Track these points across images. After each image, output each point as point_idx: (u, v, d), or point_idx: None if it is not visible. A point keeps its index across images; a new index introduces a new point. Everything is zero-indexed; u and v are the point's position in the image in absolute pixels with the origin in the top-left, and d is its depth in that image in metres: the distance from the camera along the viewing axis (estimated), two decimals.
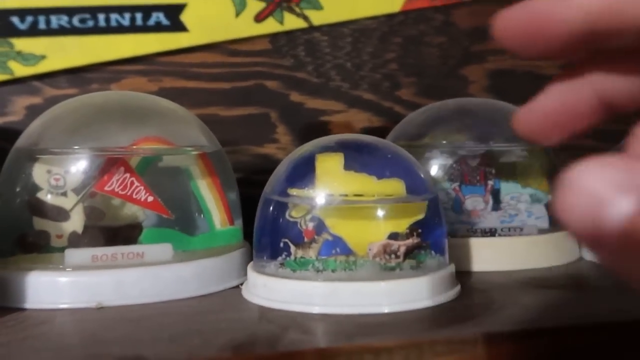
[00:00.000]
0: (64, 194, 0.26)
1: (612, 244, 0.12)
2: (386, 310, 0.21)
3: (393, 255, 0.22)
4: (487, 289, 0.24)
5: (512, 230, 0.30)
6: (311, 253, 0.23)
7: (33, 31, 0.35)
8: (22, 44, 0.35)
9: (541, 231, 0.30)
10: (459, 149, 0.32)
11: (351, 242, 0.23)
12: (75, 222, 0.26)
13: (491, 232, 0.30)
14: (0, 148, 0.33)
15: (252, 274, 0.24)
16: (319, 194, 0.23)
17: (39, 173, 0.26)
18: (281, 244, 0.24)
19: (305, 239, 0.23)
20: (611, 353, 0.19)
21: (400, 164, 0.24)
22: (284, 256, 0.24)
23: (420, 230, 0.22)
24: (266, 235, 0.24)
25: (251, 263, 0.26)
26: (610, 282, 0.24)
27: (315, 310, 0.21)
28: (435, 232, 0.23)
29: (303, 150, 0.25)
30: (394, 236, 0.22)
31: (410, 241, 0.22)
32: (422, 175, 0.24)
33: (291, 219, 0.24)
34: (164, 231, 0.27)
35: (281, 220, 0.24)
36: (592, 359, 0.19)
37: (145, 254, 0.26)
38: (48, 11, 0.35)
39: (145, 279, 0.24)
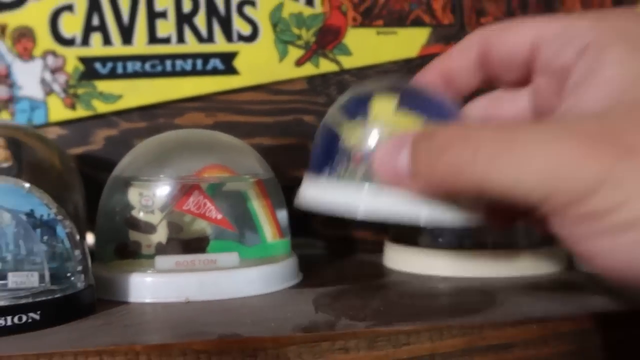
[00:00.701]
0: (152, 212, 0.33)
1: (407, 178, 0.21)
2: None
3: None
4: (491, 291, 0.30)
5: (510, 243, 0.37)
6: (358, 174, 0.25)
7: (112, 75, 0.42)
8: (103, 85, 0.42)
9: (532, 245, 0.36)
10: None
11: None
12: (161, 235, 0.33)
13: (494, 245, 0.37)
14: (84, 173, 0.40)
15: (307, 181, 0.26)
16: (370, 130, 0.25)
17: (132, 195, 0.33)
18: (333, 164, 0.25)
19: (352, 164, 0.25)
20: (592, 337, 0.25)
21: (448, 109, 0.26)
22: (334, 171, 0.25)
23: None
24: (323, 156, 0.26)
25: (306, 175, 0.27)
26: (593, 286, 0.31)
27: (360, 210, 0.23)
28: None
29: (363, 89, 0.27)
30: None
31: None
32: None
33: (345, 145, 0.26)
34: (227, 243, 0.34)
35: (336, 145, 0.26)
36: (573, 342, 0.25)
37: (217, 260, 0.32)
38: (125, 58, 0.42)
39: (220, 279, 0.31)
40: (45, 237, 0.26)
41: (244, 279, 0.32)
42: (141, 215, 0.33)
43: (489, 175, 0.19)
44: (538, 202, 0.19)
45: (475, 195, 0.20)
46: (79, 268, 0.27)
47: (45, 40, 0.41)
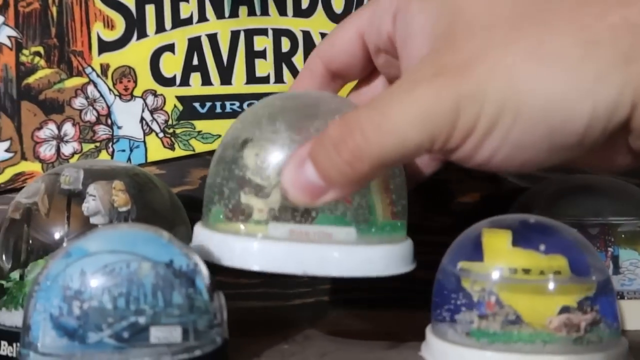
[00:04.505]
0: (268, 175, 0.28)
1: None
2: None
3: (574, 330, 0.25)
4: None
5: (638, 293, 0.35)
6: (495, 325, 0.25)
7: (210, 115, 0.41)
8: (201, 125, 0.41)
9: None
10: (581, 220, 0.37)
11: (525, 315, 0.26)
12: (274, 200, 0.29)
13: (620, 295, 0.35)
14: None
15: (435, 340, 0.27)
16: (491, 269, 0.26)
17: (248, 156, 0.29)
18: (461, 314, 0.26)
19: (488, 311, 0.26)
20: None
21: (569, 242, 0.27)
22: (465, 325, 0.26)
23: (593, 305, 0.25)
24: (446, 303, 0.27)
25: (430, 326, 0.28)
26: None
27: None
28: (607, 306, 0.26)
29: (474, 227, 0.29)
30: (565, 310, 0.25)
31: (590, 316, 0.25)
32: (590, 253, 0.28)
33: (469, 291, 0.26)
34: (335, 217, 0.29)
35: (460, 291, 0.27)
36: None
37: (332, 234, 0.28)
38: (223, 98, 0.41)
39: (342, 255, 0.28)
40: (185, 289, 0.25)
41: (363, 257, 0.28)
42: (255, 178, 0.29)
43: (383, 147, 0.22)
44: (430, 149, 0.22)
45: (381, 168, 0.23)
46: (217, 322, 0.26)
47: (145, 79, 0.40)
